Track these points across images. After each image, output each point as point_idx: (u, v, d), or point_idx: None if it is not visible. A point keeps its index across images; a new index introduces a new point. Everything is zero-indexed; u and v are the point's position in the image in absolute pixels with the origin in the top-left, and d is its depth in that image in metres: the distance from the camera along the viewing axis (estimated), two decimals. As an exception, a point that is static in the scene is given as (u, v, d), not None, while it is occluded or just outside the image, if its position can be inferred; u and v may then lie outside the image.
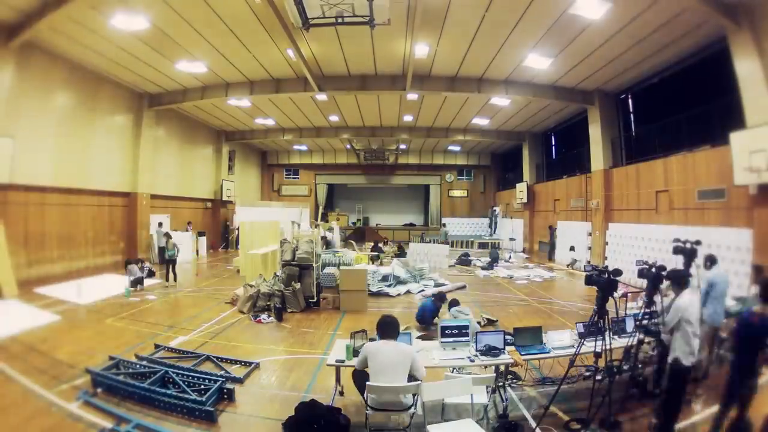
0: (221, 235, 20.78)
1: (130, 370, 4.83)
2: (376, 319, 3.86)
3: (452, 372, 4.45)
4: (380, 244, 18.81)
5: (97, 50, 10.54)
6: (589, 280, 4.07)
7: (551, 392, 4.29)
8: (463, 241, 23.00)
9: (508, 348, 4.45)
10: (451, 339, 4.58)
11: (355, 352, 4.19)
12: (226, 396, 4.44)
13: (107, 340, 6.40)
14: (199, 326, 7.29)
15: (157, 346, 5.90)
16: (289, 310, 8.37)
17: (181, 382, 4.47)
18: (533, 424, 3.95)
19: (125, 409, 4.12)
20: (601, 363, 3.84)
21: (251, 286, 8.67)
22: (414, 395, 3.51)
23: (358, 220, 29.08)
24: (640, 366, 4.55)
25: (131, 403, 4.25)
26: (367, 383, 3.44)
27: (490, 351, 4.26)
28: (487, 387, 4.03)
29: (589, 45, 9.96)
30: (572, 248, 15.05)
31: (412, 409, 3.49)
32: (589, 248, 14.11)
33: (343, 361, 4.23)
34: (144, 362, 5.17)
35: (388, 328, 3.72)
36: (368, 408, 3.48)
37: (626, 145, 13.51)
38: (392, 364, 3.48)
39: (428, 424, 3.50)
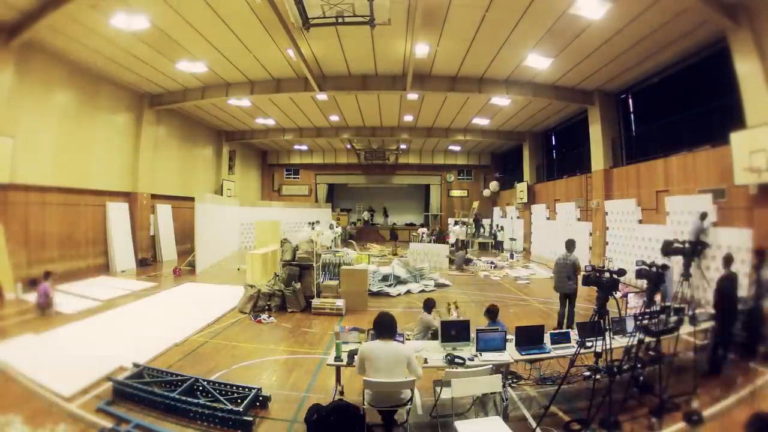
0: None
1: (158, 379, 4.66)
2: None
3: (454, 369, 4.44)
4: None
5: (97, 50, 10.53)
6: (587, 281, 4.06)
7: (551, 392, 4.30)
8: (463, 241, 22.93)
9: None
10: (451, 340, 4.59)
11: (351, 356, 4.19)
12: (258, 403, 4.33)
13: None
14: (199, 326, 7.29)
15: (135, 365, 5.04)
16: (289, 310, 8.39)
17: (213, 390, 4.34)
18: (533, 424, 3.95)
19: (152, 419, 3.99)
20: (601, 363, 3.85)
21: (252, 286, 8.67)
22: (411, 390, 3.52)
23: (358, 220, 29.04)
24: (640, 366, 4.55)
25: (157, 413, 4.09)
26: (364, 378, 3.45)
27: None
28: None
29: (589, 45, 9.95)
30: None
31: (409, 405, 3.50)
32: (590, 248, 14.10)
33: (341, 360, 4.23)
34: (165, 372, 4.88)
35: (384, 327, 3.65)
36: (365, 404, 3.49)
37: (626, 145, 13.49)
38: (389, 365, 3.46)
39: (455, 420, 3.50)
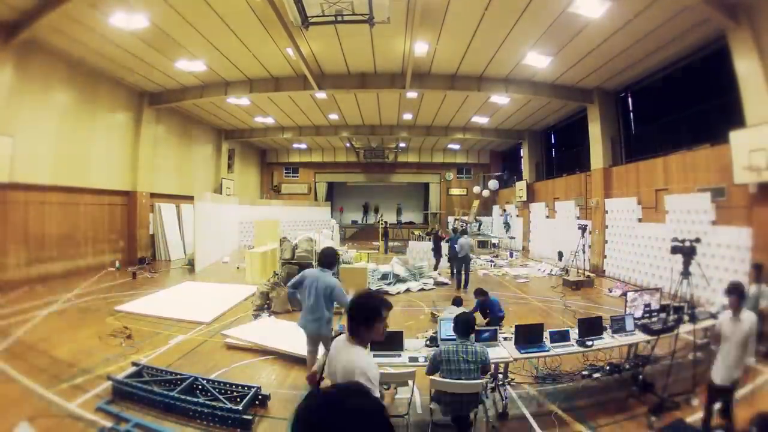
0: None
1: (157, 378, 4.62)
2: None
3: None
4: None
5: (96, 49, 10.51)
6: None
7: (551, 391, 4.31)
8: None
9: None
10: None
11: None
12: (258, 402, 4.31)
13: (109, 339, 6.40)
14: (199, 324, 7.29)
15: (135, 364, 5.00)
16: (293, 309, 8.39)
17: (212, 389, 4.35)
18: (533, 423, 3.96)
19: (151, 418, 3.99)
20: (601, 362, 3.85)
21: (272, 282, 8.66)
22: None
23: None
24: (640, 365, 4.57)
25: (157, 412, 4.09)
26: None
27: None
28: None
29: (588, 43, 9.93)
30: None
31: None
32: (589, 246, 14.10)
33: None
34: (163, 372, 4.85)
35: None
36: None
37: (626, 144, 13.49)
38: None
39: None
